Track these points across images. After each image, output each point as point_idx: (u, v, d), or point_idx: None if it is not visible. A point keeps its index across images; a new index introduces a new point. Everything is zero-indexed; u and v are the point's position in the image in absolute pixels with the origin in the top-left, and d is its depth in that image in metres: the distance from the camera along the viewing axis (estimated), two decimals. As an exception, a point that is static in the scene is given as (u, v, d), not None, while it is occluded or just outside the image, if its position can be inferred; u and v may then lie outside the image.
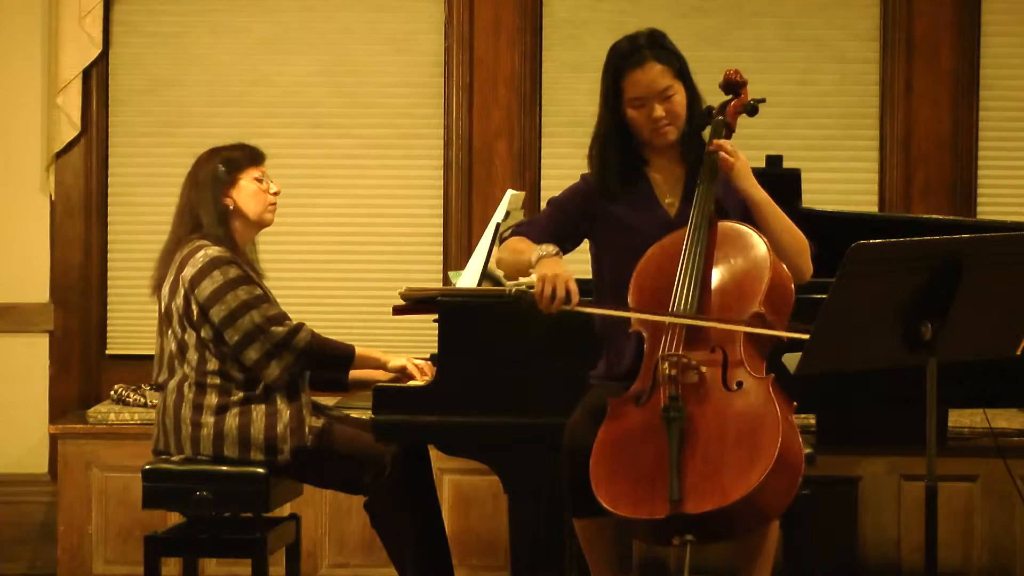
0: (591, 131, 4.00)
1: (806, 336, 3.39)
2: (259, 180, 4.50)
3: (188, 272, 4.37)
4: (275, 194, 4.52)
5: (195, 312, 4.36)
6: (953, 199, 5.87)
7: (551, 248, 3.76)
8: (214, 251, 4.38)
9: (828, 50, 5.93)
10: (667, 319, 3.63)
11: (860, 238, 3.30)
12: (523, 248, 3.83)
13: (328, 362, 4.46)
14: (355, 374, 4.65)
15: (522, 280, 4.19)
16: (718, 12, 5.94)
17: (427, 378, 4.32)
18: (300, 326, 4.38)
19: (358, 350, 4.46)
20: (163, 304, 4.44)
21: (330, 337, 4.47)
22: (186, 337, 4.38)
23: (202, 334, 4.37)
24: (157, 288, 4.47)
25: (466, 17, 5.94)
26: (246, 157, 4.51)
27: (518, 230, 3.95)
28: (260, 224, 4.52)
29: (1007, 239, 3.43)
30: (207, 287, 4.34)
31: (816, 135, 5.92)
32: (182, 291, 4.37)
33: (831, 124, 5.93)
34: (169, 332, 4.41)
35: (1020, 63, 5.92)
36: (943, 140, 5.88)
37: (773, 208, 3.82)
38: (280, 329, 4.34)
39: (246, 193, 4.48)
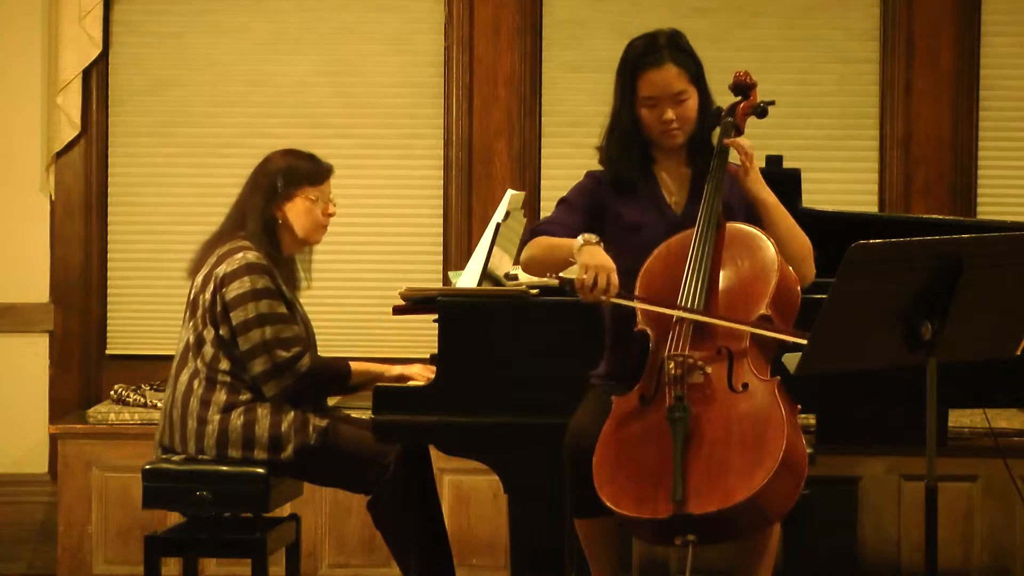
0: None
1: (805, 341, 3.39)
2: (314, 200, 4.50)
3: (222, 269, 4.39)
4: (330, 215, 4.54)
5: (219, 310, 4.38)
6: (953, 199, 5.86)
7: (593, 236, 3.70)
8: (252, 256, 4.40)
9: (828, 50, 5.93)
10: (700, 318, 3.61)
11: (860, 238, 3.30)
12: (558, 242, 3.80)
13: (326, 385, 4.48)
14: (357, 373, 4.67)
15: (528, 280, 4.20)
16: (718, 12, 5.93)
17: (428, 377, 4.32)
18: (304, 353, 4.39)
19: (353, 366, 4.48)
20: (192, 292, 4.46)
21: (329, 354, 4.51)
22: (205, 332, 4.40)
23: (221, 332, 4.38)
24: (193, 273, 4.50)
25: (466, 17, 5.93)
26: (309, 174, 4.52)
27: (540, 229, 3.92)
28: (307, 242, 4.55)
29: (1007, 239, 3.42)
30: (235, 289, 4.36)
31: (816, 135, 5.92)
32: (212, 286, 4.40)
33: (831, 124, 5.93)
34: (191, 323, 4.44)
35: (1020, 63, 5.92)
36: (943, 140, 5.88)
37: (781, 211, 3.83)
38: (285, 354, 4.36)
39: (297, 210, 4.50)
